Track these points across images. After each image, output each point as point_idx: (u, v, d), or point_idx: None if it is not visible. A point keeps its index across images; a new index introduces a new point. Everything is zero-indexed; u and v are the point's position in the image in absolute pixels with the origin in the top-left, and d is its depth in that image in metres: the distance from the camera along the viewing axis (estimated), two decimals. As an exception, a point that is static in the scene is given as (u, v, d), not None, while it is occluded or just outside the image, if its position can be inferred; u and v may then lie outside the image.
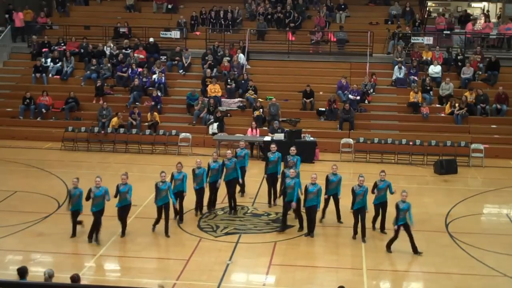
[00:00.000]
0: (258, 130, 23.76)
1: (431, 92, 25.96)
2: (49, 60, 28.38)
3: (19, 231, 15.84)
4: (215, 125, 24.50)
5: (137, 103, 25.84)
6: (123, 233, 15.56)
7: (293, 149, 17.49)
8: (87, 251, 14.91)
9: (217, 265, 14.08)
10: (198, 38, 29.98)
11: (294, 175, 15.78)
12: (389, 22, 30.24)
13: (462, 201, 18.67)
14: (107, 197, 15.12)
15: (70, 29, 29.95)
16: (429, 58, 27.33)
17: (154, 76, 27.02)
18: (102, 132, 24.47)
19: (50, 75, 28.04)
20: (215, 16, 30.26)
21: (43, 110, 26.00)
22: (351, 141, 23.53)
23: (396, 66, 26.85)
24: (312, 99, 25.71)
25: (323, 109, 25.33)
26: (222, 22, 30.09)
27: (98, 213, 15.01)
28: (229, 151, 17.71)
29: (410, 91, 25.68)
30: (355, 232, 15.66)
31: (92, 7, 33.32)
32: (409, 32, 28.90)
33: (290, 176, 15.78)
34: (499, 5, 34.47)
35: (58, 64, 28.25)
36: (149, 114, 25.14)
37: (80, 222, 15.67)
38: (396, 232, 14.77)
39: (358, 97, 25.60)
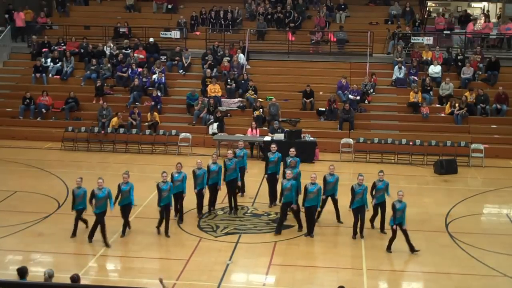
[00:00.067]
0: (258, 130, 23.76)
1: (431, 92, 25.96)
2: (49, 60, 28.38)
3: (19, 231, 15.84)
4: (215, 125, 24.50)
5: (137, 103, 25.84)
6: (123, 233, 15.58)
7: (292, 150, 17.46)
8: (87, 251, 14.91)
9: (217, 265, 14.08)
10: (198, 38, 29.98)
11: (290, 177, 15.78)
12: (389, 22, 30.25)
13: (462, 201, 18.67)
14: (111, 206, 15.07)
15: (70, 29, 29.95)
16: (429, 58, 27.33)
17: (154, 76, 27.02)
18: (102, 132, 24.47)
19: (50, 75, 28.05)
20: (215, 16, 30.26)
21: (43, 110, 26.00)
22: (351, 141, 23.53)
23: (396, 66, 26.85)
24: (312, 99, 25.71)
25: (323, 109, 25.33)
26: (222, 22, 30.09)
27: (101, 215, 14.98)
28: (230, 151, 17.69)
29: (410, 91, 25.68)
30: (355, 232, 15.67)
31: (92, 7, 33.33)
32: (409, 32, 28.91)
33: (287, 178, 15.79)
34: (499, 5, 34.46)
35: (58, 64, 28.25)
36: (149, 114, 25.14)
37: (85, 222, 15.70)
38: (394, 232, 14.80)
39: (358, 97, 25.60)
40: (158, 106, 25.70)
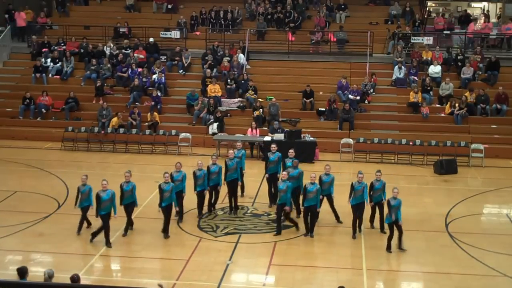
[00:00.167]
0: (258, 130, 23.75)
1: (431, 92, 25.96)
2: (49, 60, 28.38)
3: (19, 231, 15.84)
4: (215, 125, 24.50)
5: (137, 103, 25.84)
6: (125, 231, 15.62)
7: (291, 152, 17.44)
8: (87, 251, 14.91)
9: (217, 265, 14.07)
10: (198, 38, 29.98)
11: (286, 178, 15.77)
12: (389, 22, 30.24)
13: (462, 201, 18.67)
14: (115, 212, 15.08)
15: (70, 29, 29.94)
16: (429, 58, 27.32)
17: (154, 76, 27.02)
18: (102, 132, 24.46)
19: (50, 75, 28.04)
20: (215, 16, 30.26)
21: (43, 110, 26.00)
22: (351, 141, 23.52)
23: (396, 66, 26.85)
24: (312, 99, 25.70)
25: (323, 109, 25.33)
26: (222, 22, 30.08)
27: (106, 216, 14.95)
28: (231, 151, 17.68)
29: (410, 91, 25.68)
30: (355, 231, 15.73)
31: (92, 7, 33.32)
32: (409, 32, 28.90)
33: (282, 179, 15.78)
34: (499, 5, 34.45)
35: (58, 64, 28.25)
36: (149, 114, 25.14)
37: (89, 223, 15.73)
38: (390, 229, 14.85)
39: (358, 97, 25.59)
40: (158, 106, 25.70)
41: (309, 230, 15.74)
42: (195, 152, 23.29)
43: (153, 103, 25.62)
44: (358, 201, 15.67)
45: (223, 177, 17.06)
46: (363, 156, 22.99)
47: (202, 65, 27.53)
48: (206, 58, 27.58)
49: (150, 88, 26.47)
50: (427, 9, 32.33)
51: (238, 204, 17.46)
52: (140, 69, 27.20)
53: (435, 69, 26.55)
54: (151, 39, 28.89)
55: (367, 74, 26.80)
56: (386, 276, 14.26)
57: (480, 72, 26.77)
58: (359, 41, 28.35)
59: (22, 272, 10.89)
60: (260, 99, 25.50)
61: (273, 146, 18.01)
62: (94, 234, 15.13)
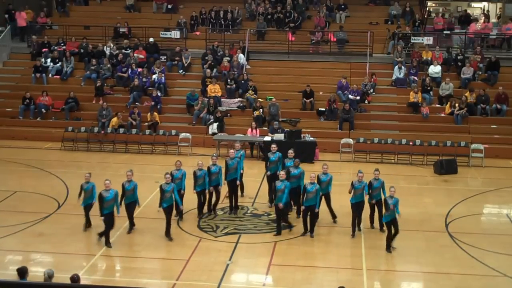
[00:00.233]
0: (258, 130, 23.75)
1: (431, 92, 25.95)
2: (49, 60, 28.37)
3: (19, 231, 15.84)
4: (215, 125, 24.49)
5: (137, 103, 25.83)
6: (130, 230, 15.73)
7: (291, 152, 17.41)
8: (87, 251, 14.91)
9: (217, 265, 14.07)
10: (198, 38, 29.98)
11: (284, 178, 15.77)
12: (389, 22, 30.24)
13: (462, 201, 18.66)
14: (118, 211, 15.12)
15: (70, 29, 29.93)
16: (429, 58, 27.32)
17: (154, 76, 27.01)
18: (102, 132, 24.46)
19: (50, 75, 28.03)
20: (215, 16, 30.25)
21: (43, 110, 25.99)
22: (351, 141, 23.52)
23: (396, 66, 26.85)
24: (312, 99, 25.70)
25: (323, 109, 25.33)
26: (222, 22, 30.08)
27: (108, 216, 14.95)
28: (231, 151, 17.66)
29: (410, 91, 25.68)
30: (354, 229, 15.78)
31: (92, 7, 33.31)
32: (409, 32, 28.90)
33: (280, 179, 15.78)
34: (499, 5, 34.45)
35: (58, 64, 28.25)
36: (149, 114, 25.14)
37: (89, 223, 15.75)
38: (388, 229, 14.91)
39: (358, 97, 25.59)
40: (158, 106, 25.70)
41: (310, 230, 15.73)
42: (195, 152, 23.29)
43: (153, 103, 25.61)
44: (358, 200, 15.77)
45: (223, 177, 17.05)
46: (363, 156, 22.99)
47: (202, 65, 27.53)
48: (206, 58, 27.58)
49: (150, 88, 26.46)
50: (427, 9, 32.31)
51: (238, 204, 17.46)
52: (140, 69, 27.20)
53: (435, 69, 26.55)
54: (151, 39, 28.88)
55: (367, 74, 26.80)
56: (386, 276, 14.26)
57: (480, 72, 26.77)
58: (359, 41, 28.35)
59: (22, 272, 10.89)
60: (260, 99, 25.49)
61: (273, 146, 18.00)
62: (102, 234, 15.12)
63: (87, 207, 15.66)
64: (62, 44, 29.23)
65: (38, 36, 29.93)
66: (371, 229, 16.08)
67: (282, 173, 15.97)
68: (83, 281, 11.94)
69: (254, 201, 18.20)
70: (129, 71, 27.23)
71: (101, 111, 25.02)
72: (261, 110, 24.86)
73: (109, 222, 14.98)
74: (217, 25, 30.12)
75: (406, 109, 25.57)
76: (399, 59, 27.07)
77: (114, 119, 24.69)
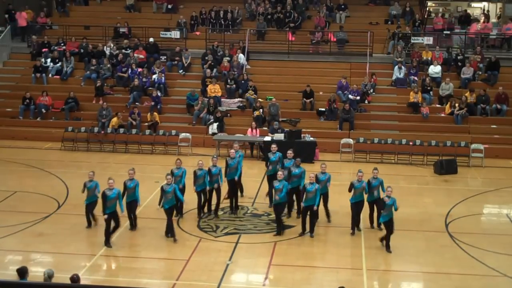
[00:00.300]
0: (258, 130, 23.75)
1: (431, 92, 25.95)
2: (49, 60, 28.37)
3: (19, 231, 15.83)
4: (215, 125, 24.49)
5: (137, 103, 25.83)
6: (135, 227, 15.85)
7: (290, 153, 17.36)
8: (87, 251, 14.92)
9: (217, 265, 14.07)
10: (198, 38, 29.97)
11: (282, 177, 15.75)
12: (389, 22, 30.24)
13: (462, 201, 18.66)
14: (121, 209, 15.15)
15: (70, 29, 29.94)
16: (429, 58, 27.32)
17: (154, 76, 27.02)
18: (102, 132, 24.46)
19: (50, 75, 28.04)
20: (215, 16, 30.25)
21: (43, 110, 25.98)
22: (351, 141, 23.52)
23: (396, 66, 26.85)
24: (312, 99, 25.70)
25: (323, 109, 25.33)
26: (222, 22, 30.08)
27: (110, 215, 14.94)
28: (232, 151, 17.63)
29: (410, 91, 25.68)
30: (353, 227, 15.85)
31: (92, 7, 33.32)
32: (409, 32, 28.90)
33: (278, 179, 15.76)
34: (499, 5, 34.45)
35: (58, 64, 28.25)
36: (149, 114, 25.14)
37: (90, 222, 15.82)
38: (386, 228, 14.96)
39: (358, 97, 25.59)
40: (158, 106, 25.70)
41: (310, 230, 15.73)
42: (195, 152, 23.30)
43: (153, 103, 25.61)
44: (357, 199, 15.83)
45: (223, 177, 17.04)
46: (363, 156, 22.99)
47: (202, 65, 27.53)
48: (206, 58, 27.58)
49: (150, 88, 26.46)
50: (427, 9, 32.32)
51: (238, 204, 17.46)
52: (140, 69, 27.20)
53: (435, 69, 26.55)
54: (151, 39, 28.88)
55: (367, 74, 26.80)
56: (386, 276, 14.27)
57: (480, 72, 26.77)
58: (359, 41, 28.34)
59: (22, 272, 10.89)
60: (260, 99, 25.49)
61: (274, 147, 18.00)
62: (111, 233, 15.09)
63: (89, 206, 15.73)
64: (62, 44, 29.24)
65: (38, 36, 29.93)
66: (371, 229, 16.07)
67: (280, 173, 15.96)
68: (83, 281, 11.94)
69: (254, 201, 18.20)
70: (129, 71, 27.23)
71: (101, 111, 25.02)
72: (261, 110, 24.86)
73: (114, 220, 14.95)
74: (217, 25, 30.12)
75: (406, 109, 25.57)
76: (399, 59, 27.08)
77: (114, 119, 24.69)
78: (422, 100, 25.48)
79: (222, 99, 26.07)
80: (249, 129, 23.72)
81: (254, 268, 14.32)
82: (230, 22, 30.06)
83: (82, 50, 28.80)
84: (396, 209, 14.85)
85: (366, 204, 16.03)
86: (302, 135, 22.77)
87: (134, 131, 24.49)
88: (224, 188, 17.27)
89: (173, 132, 24.16)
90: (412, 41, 28.52)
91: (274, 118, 24.44)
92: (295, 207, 17.01)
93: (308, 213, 15.67)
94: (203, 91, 26.26)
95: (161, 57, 28.38)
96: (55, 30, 30.71)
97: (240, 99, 26.17)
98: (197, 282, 13.35)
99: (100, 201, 15.40)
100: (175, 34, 29.06)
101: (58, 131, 24.48)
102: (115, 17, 31.23)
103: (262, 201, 18.01)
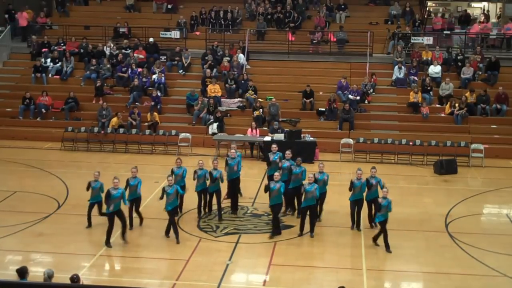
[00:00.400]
0: (258, 130, 23.75)
1: (431, 92, 25.95)
2: (48, 60, 28.37)
3: (19, 231, 15.83)
4: (215, 125, 24.49)
5: (137, 103, 25.83)
6: (140, 223, 16.02)
7: (288, 153, 17.31)
8: (87, 251, 14.90)
9: (217, 265, 14.07)
10: (198, 38, 29.97)
11: (278, 178, 15.72)
12: (389, 22, 30.24)
13: (462, 201, 18.66)
14: (125, 202, 15.20)
15: (70, 29, 29.93)
16: (429, 58, 27.32)
17: (154, 76, 27.01)
18: (102, 132, 24.45)
19: (49, 75, 28.03)
20: (215, 16, 30.25)
21: (43, 110, 25.98)
22: (351, 141, 23.52)
23: (396, 66, 26.85)
24: (312, 99, 25.70)
25: (323, 109, 25.33)
26: (222, 22, 30.07)
27: (113, 215, 14.94)
28: (233, 151, 17.61)
29: (410, 91, 25.68)
30: (353, 222, 16.02)
31: (92, 7, 33.31)
32: (409, 32, 28.90)
33: (275, 180, 15.73)
34: (499, 5, 34.45)
35: (58, 64, 28.24)
36: (149, 114, 25.14)
37: (89, 223, 15.88)
38: (381, 227, 14.94)
39: (358, 97, 25.58)
40: (158, 106, 25.69)
41: (310, 230, 15.73)
42: (195, 152, 23.30)
43: (153, 103, 25.61)
44: (356, 197, 15.94)
45: (224, 177, 17.04)
46: (363, 156, 22.98)
47: (202, 65, 27.53)
48: (206, 58, 27.58)
49: (150, 88, 26.46)
50: (427, 9, 32.32)
51: (238, 204, 17.45)
52: (140, 69, 27.20)
53: (435, 69, 26.55)
54: (151, 39, 28.88)
55: (367, 74, 26.80)
56: (386, 276, 14.27)
57: (480, 72, 26.77)
58: (359, 41, 28.34)
59: (22, 272, 10.89)
60: (260, 99, 25.49)
61: (274, 147, 17.99)
62: (123, 234, 15.09)
63: (92, 205, 15.78)
64: (62, 44, 29.23)
65: (38, 36, 29.92)
66: (371, 229, 16.07)
67: (276, 174, 15.93)
68: (83, 281, 11.93)
69: (254, 201, 18.19)
70: (129, 71, 27.22)
71: (101, 111, 25.01)
72: (261, 110, 24.86)
73: (119, 219, 14.95)
74: (217, 25, 30.12)
75: (406, 109, 25.57)
76: (399, 59, 27.08)
77: (114, 119, 24.69)
78: (422, 100, 25.48)
79: (222, 99, 26.07)
80: (249, 129, 23.72)
81: (254, 268, 14.31)
82: (230, 22, 30.06)
83: (82, 50, 28.80)
84: (390, 210, 14.86)
85: (365, 204, 16.04)
86: (302, 135, 22.76)
87: (134, 131, 24.49)
88: (224, 188, 17.25)
89: (173, 132, 24.16)
90: (412, 41, 28.52)
91: (274, 118, 24.43)
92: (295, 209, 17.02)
93: (308, 213, 15.67)
94: (203, 91, 26.26)
95: (161, 57, 28.38)
96: (55, 30, 30.71)
97: (240, 99, 26.16)
98: (197, 282, 13.35)
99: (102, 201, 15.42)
100: (175, 34, 29.06)
101: (58, 131, 24.48)
102: (115, 17, 31.23)
103: (262, 201, 18.01)
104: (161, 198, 15.39)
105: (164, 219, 15.54)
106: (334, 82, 26.45)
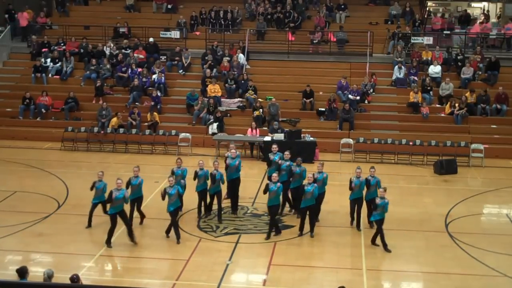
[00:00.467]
0: (258, 130, 23.74)
1: (431, 92, 25.95)
2: (48, 60, 28.37)
3: (19, 231, 15.83)
4: (215, 125, 24.49)
5: (136, 103, 25.83)
6: (141, 223, 16.05)
7: (287, 154, 17.25)
8: (87, 251, 14.89)
9: (217, 265, 14.07)
10: (198, 38, 29.97)
11: (276, 180, 15.70)
12: (389, 22, 30.24)
13: (462, 201, 18.66)
14: (126, 199, 15.20)
15: (70, 29, 29.93)
16: (429, 58, 27.32)
17: (154, 76, 27.01)
18: (102, 132, 24.45)
19: (49, 75, 28.03)
20: (215, 16, 30.25)
21: (43, 110, 25.98)
22: (351, 141, 23.52)
23: (396, 66, 26.85)
24: (312, 99, 25.70)
25: (323, 109, 25.33)
26: (222, 22, 30.07)
27: (115, 216, 14.91)
28: (233, 150, 17.60)
29: (410, 91, 25.68)
30: (353, 218, 16.15)
31: (92, 7, 33.31)
32: (409, 32, 28.90)
33: (273, 181, 15.69)
34: (499, 5, 34.46)
35: (58, 64, 28.24)
36: (148, 114, 25.14)
37: (90, 221, 15.91)
38: (378, 227, 14.98)
39: (358, 97, 25.59)
40: (158, 106, 25.69)
41: (310, 230, 15.73)
42: (195, 152, 23.30)
43: (153, 103, 25.61)
44: (356, 196, 15.99)
45: (224, 177, 17.04)
46: (363, 156, 22.98)
47: (202, 65, 27.53)
48: (206, 58, 27.58)
49: (150, 88, 26.45)
50: (427, 9, 32.32)
51: (238, 204, 17.44)
52: (140, 69, 27.20)
53: (435, 69, 26.55)
54: (151, 39, 28.88)
55: (367, 74, 26.80)
56: (386, 276, 14.26)
57: (480, 72, 26.77)
58: (359, 41, 28.33)
59: (22, 272, 10.88)
60: (260, 99, 25.49)
61: (274, 147, 17.97)
62: (130, 235, 15.08)
63: (95, 205, 15.80)
64: (62, 44, 29.23)
65: (38, 36, 29.92)
66: (371, 228, 16.05)
67: (274, 175, 15.90)
68: (83, 281, 11.92)
69: (254, 201, 18.19)
70: (129, 71, 27.23)
71: (101, 111, 25.01)
72: (261, 110, 24.86)
73: (122, 219, 14.93)
74: (217, 25, 30.11)
75: (406, 109, 25.57)
76: (399, 59, 27.08)
77: (114, 119, 24.69)
78: (422, 100, 25.48)
79: (222, 99, 26.07)
80: (249, 129, 23.72)
81: (254, 268, 14.31)
82: (230, 22, 30.06)
83: (82, 50, 28.80)
84: (386, 211, 14.88)
85: (365, 204, 16.06)
86: (302, 135, 22.77)
87: (134, 131, 24.49)
88: (224, 188, 17.24)
89: (173, 132, 24.15)
90: (412, 41, 28.53)
91: (274, 118, 24.43)
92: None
93: (308, 213, 15.67)
94: (203, 91, 26.26)
95: (161, 57, 28.38)
96: (55, 30, 30.72)
97: (240, 99, 26.17)
98: (197, 282, 13.34)
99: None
100: (175, 34, 29.06)
101: (58, 131, 24.48)
102: (115, 17, 31.23)
103: (262, 201, 18.00)
104: (163, 199, 15.37)
105: (164, 219, 15.54)
106: (334, 82, 26.45)
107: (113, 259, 14.79)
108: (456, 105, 24.80)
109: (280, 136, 22.44)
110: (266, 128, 24.29)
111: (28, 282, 9.55)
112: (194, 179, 16.58)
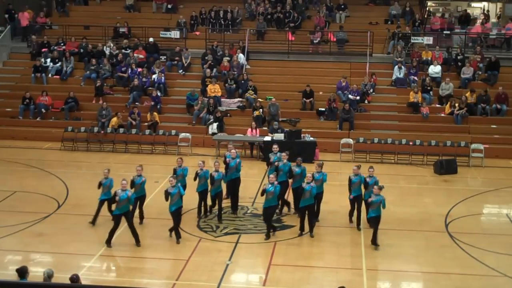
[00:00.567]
0: (258, 130, 23.74)
1: (431, 92, 25.95)
2: (48, 60, 28.37)
3: (18, 231, 15.83)
4: (215, 125, 24.49)
5: (136, 103, 25.83)
6: (141, 221, 16.05)
7: (284, 155, 17.16)
8: (87, 251, 14.88)
9: (217, 265, 14.06)
10: (198, 38, 29.97)
11: (273, 181, 15.66)
12: (389, 22, 30.24)
13: (462, 201, 18.66)
14: (131, 199, 15.18)
15: (70, 29, 29.93)
16: (429, 58, 27.32)
17: (154, 76, 27.01)
18: (102, 132, 24.45)
19: (49, 75, 28.03)
20: (215, 16, 30.25)
21: (43, 110, 25.98)
22: (351, 141, 23.52)
23: (396, 66, 26.85)
24: (312, 99, 25.70)
25: (323, 109, 25.33)
26: (222, 22, 30.07)
27: (119, 216, 14.92)
28: (233, 151, 17.60)
29: (410, 91, 25.68)
30: (351, 217, 16.21)
31: (92, 7, 33.31)
32: (409, 32, 28.91)
33: (270, 182, 15.64)
34: (499, 5, 34.45)
35: (58, 64, 28.24)
36: (148, 114, 25.14)
37: (94, 221, 15.92)
38: (374, 224, 15.07)
39: (358, 97, 25.59)
40: (158, 106, 25.69)
41: (309, 230, 15.74)
42: (195, 152, 23.29)
43: (152, 103, 25.61)
44: (356, 193, 16.03)
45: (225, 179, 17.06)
46: (363, 156, 22.98)
47: (202, 65, 27.53)
48: (206, 58, 27.58)
49: (150, 88, 26.45)
50: (427, 9, 32.32)
51: (238, 204, 17.44)
52: (140, 69, 27.19)
53: (435, 69, 26.55)
54: (151, 39, 28.88)
55: (367, 74, 26.80)
56: (386, 276, 14.25)
57: (480, 72, 26.77)
58: (359, 41, 28.33)
59: (22, 272, 10.88)
60: (260, 99, 25.49)
61: (275, 147, 17.96)
62: (135, 236, 15.06)
63: (103, 202, 15.85)
64: (62, 44, 29.23)
65: (38, 36, 29.91)
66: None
67: (271, 176, 15.87)
68: (83, 281, 11.93)
69: (254, 201, 18.18)
70: (129, 71, 27.23)
71: (100, 111, 25.01)
72: (261, 110, 24.86)
73: (126, 220, 14.92)
74: (217, 25, 30.11)
75: (406, 109, 25.57)
76: (399, 59, 27.08)
77: (114, 119, 24.69)
78: (422, 100, 25.48)
79: (222, 99, 26.07)
80: (249, 129, 23.72)
81: (254, 268, 14.31)
82: (230, 22, 30.06)
83: (82, 50, 28.79)
84: (384, 207, 14.96)
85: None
86: (302, 135, 22.77)
87: (134, 131, 24.49)
88: (224, 188, 17.24)
89: (173, 132, 24.15)
90: (412, 41, 28.53)
91: (274, 118, 24.43)
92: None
93: (306, 212, 15.67)
94: (203, 91, 26.25)
95: (161, 57, 28.38)
96: (55, 30, 30.72)
97: (240, 99, 26.16)
98: (197, 282, 13.34)
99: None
100: (175, 34, 29.06)
101: (58, 131, 24.48)
102: (115, 17, 31.22)
103: (262, 201, 17.97)
104: (166, 199, 15.35)
105: (164, 219, 15.55)
106: (334, 82, 26.45)
107: (113, 259, 14.78)
108: (456, 105, 24.80)
109: (280, 136, 22.45)
110: (266, 128, 24.29)
111: (28, 282, 9.55)
112: (195, 179, 16.59)
